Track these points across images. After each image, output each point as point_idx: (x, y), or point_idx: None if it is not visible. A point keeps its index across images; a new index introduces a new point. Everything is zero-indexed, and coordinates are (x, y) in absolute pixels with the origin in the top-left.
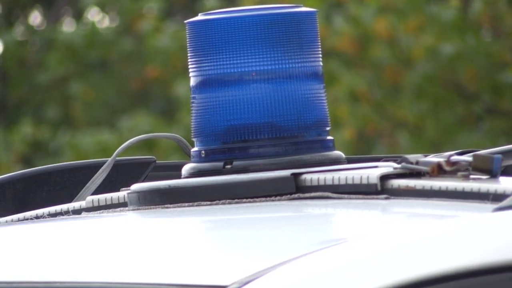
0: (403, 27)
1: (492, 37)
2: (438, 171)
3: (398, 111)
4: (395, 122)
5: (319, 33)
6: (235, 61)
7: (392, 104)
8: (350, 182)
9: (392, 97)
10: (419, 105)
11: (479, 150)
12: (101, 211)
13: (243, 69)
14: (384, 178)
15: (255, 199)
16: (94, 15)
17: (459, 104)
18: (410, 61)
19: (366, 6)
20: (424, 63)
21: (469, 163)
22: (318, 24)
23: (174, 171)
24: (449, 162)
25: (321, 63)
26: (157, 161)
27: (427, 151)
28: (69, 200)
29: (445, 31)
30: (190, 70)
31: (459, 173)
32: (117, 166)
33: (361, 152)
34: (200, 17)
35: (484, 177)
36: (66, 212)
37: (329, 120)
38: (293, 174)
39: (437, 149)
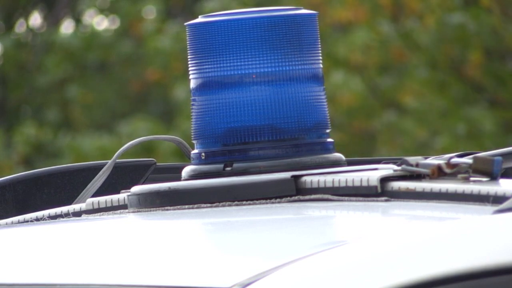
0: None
1: (500, 20)
2: (438, 173)
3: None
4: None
5: (319, 35)
6: (235, 63)
7: (397, 83)
8: (350, 184)
9: (396, 74)
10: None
11: (479, 152)
12: (101, 213)
13: (243, 71)
14: (384, 180)
15: (255, 201)
16: (94, 17)
17: (461, 88)
18: (414, 39)
19: None
20: (430, 35)
21: (469, 165)
22: (318, 26)
23: (174, 173)
24: (449, 164)
25: (321, 65)
26: (157, 163)
27: (428, 134)
28: (70, 202)
29: (452, 6)
30: (190, 72)
31: (459, 175)
32: (118, 168)
33: (363, 126)
34: (200, 19)
35: (484, 179)
36: (67, 214)
37: (329, 122)
38: (294, 176)
39: (436, 132)
